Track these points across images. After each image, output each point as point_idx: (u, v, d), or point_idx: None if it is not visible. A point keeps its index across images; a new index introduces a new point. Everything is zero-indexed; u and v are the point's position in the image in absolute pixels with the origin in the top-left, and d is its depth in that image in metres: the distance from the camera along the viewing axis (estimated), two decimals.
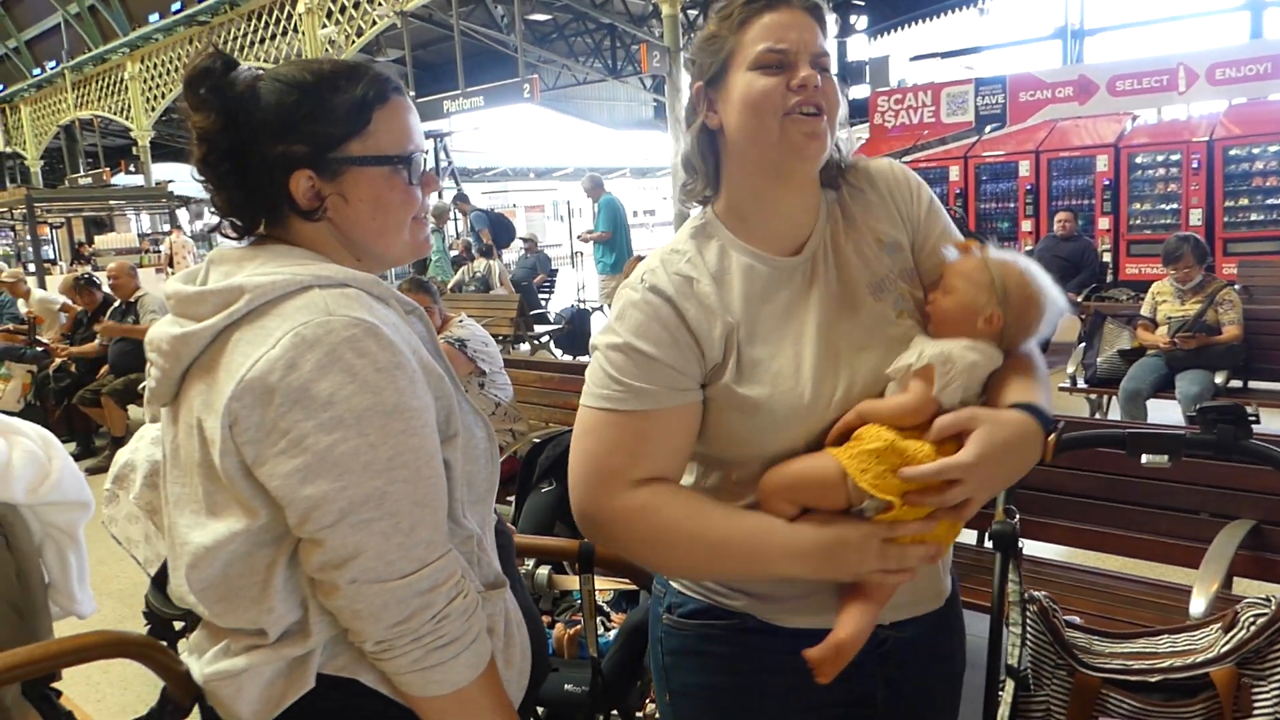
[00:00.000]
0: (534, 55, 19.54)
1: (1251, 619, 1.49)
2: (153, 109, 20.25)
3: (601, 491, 1.15)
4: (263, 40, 17.17)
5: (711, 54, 1.19)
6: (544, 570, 1.87)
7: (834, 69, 1.19)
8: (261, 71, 1.15)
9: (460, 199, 12.95)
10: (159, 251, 16.30)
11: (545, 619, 2.29)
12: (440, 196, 19.68)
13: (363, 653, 1.11)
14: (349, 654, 1.13)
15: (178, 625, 1.96)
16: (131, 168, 22.81)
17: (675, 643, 1.29)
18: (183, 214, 20.16)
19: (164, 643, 1.53)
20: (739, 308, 1.18)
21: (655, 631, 1.33)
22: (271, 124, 1.11)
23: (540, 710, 2.06)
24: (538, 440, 4.17)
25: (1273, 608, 1.48)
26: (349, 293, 1.08)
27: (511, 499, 4.21)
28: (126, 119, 20.86)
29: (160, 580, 1.46)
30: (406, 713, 1.14)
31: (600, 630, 2.19)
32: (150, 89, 20.19)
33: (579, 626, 2.20)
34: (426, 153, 1.25)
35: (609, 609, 2.27)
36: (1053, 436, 1.13)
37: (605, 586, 2.15)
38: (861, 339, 1.18)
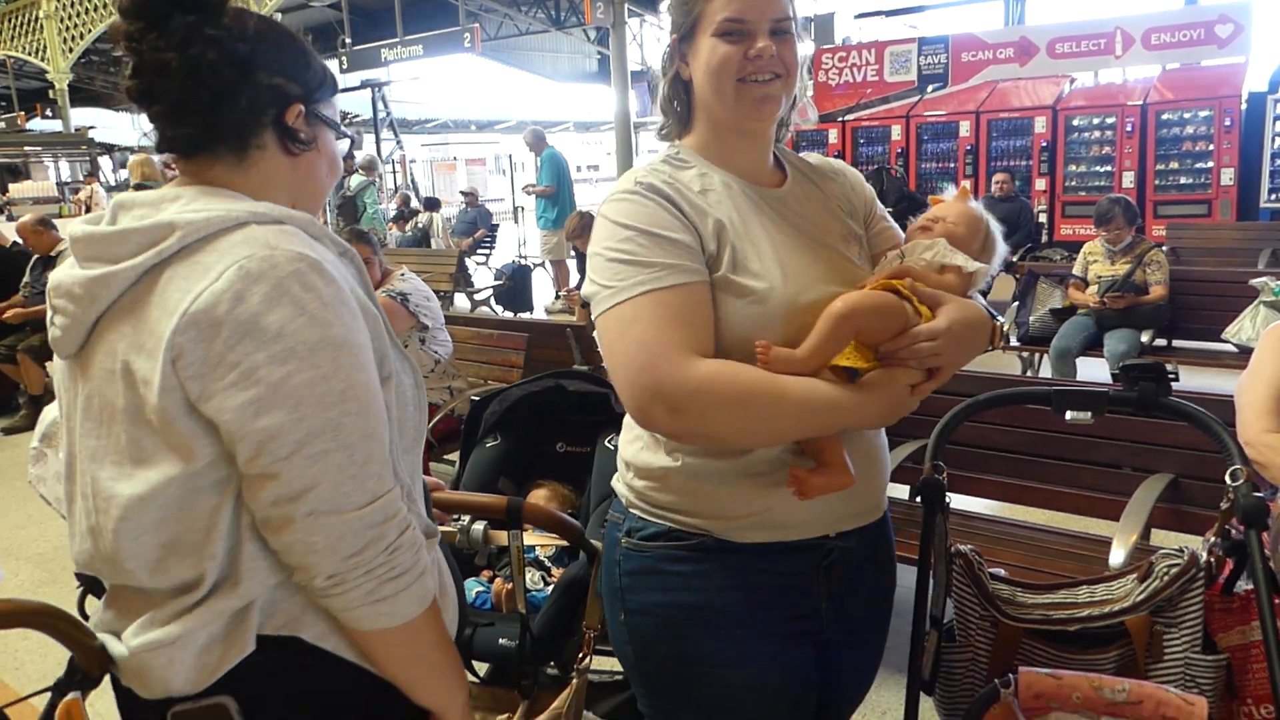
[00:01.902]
0: (475, 4, 19.09)
1: (1165, 569, 1.54)
2: (70, 50, 19.31)
3: (673, 367, 1.16)
4: None
5: (684, 13, 1.30)
6: (479, 525, 1.85)
7: (796, 23, 1.30)
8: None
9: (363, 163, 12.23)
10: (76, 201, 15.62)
11: (486, 574, 2.28)
12: (377, 146, 19.25)
13: (305, 607, 1.10)
14: (288, 609, 1.11)
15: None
16: (49, 112, 21.84)
17: (634, 564, 1.34)
18: (105, 162, 19.38)
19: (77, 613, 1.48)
20: (725, 210, 1.28)
21: (612, 555, 1.38)
22: (271, 58, 1.13)
23: (479, 665, 2.06)
24: (476, 398, 4.15)
25: (1185, 558, 1.53)
26: (287, 229, 1.08)
27: (451, 457, 4.20)
28: (42, 60, 19.90)
29: None
30: (350, 668, 1.13)
31: (540, 585, 2.20)
32: (67, 28, 19.22)
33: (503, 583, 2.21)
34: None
35: (550, 564, 2.27)
36: (999, 323, 1.31)
37: (544, 542, 2.15)
38: (828, 274, 1.29)
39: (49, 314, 1.12)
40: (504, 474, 2.42)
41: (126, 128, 27.92)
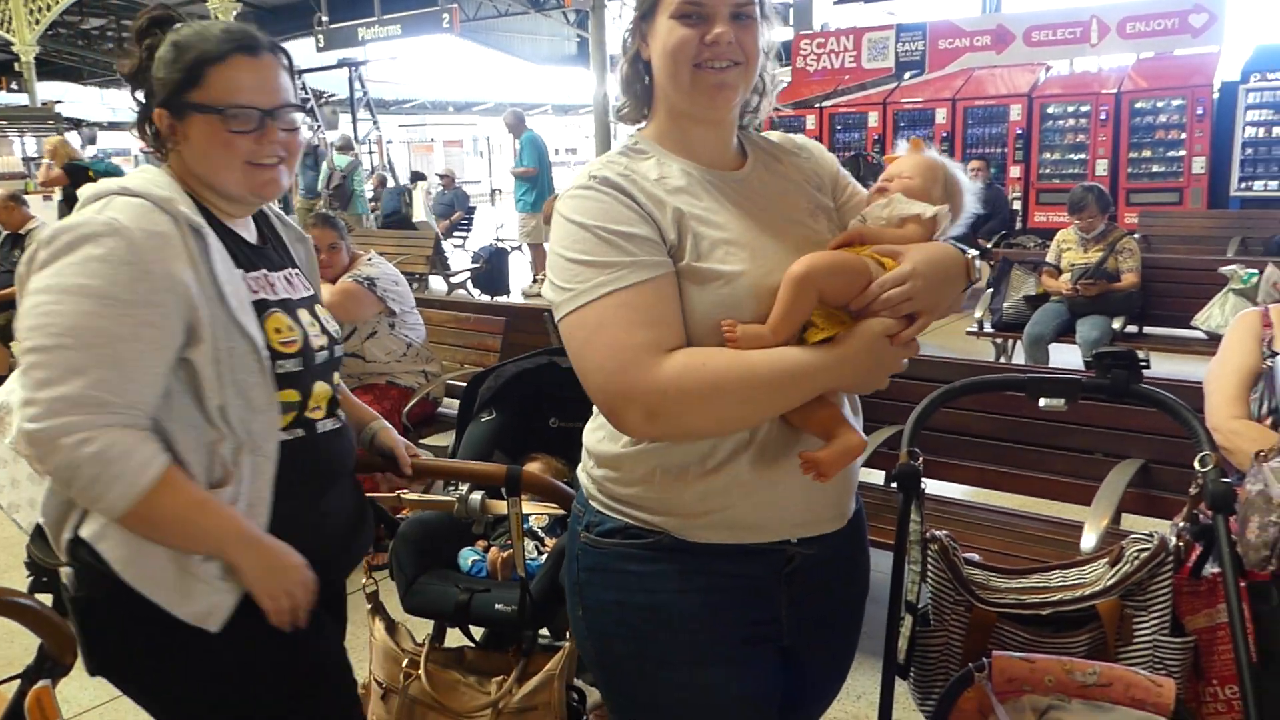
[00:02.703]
0: None
1: (1135, 554, 1.57)
2: (37, 21, 18.87)
3: (643, 370, 1.14)
4: None
5: None
6: (477, 495, 1.90)
7: (761, 8, 1.25)
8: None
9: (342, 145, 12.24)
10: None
11: (481, 544, 2.32)
12: (354, 126, 19.06)
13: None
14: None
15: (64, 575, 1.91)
16: (14, 85, 21.38)
17: (591, 560, 1.33)
18: (74, 137, 19.01)
19: (44, 596, 1.47)
20: (683, 197, 1.24)
21: (572, 548, 1.37)
22: (153, 66, 1.41)
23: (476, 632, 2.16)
24: (453, 381, 4.13)
25: (1154, 543, 1.55)
26: (136, 202, 1.33)
27: (428, 441, 4.18)
28: (7, 31, 19.46)
29: (41, 529, 1.43)
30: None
31: (534, 554, 2.22)
32: (34, 0, 18.82)
33: (511, 550, 2.23)
34: (272, 110, 1.42)
35: (543, 534, 2.31)
36: (970, 255, 1.26)
37: (538, 511, 2.19)
38: (796, 252, 1.23)
39: None
40: (499, 447, 2.45)
41: (95, 102, 27.46)
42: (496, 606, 1.99)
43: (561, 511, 1.95)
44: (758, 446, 1.23)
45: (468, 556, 2.27)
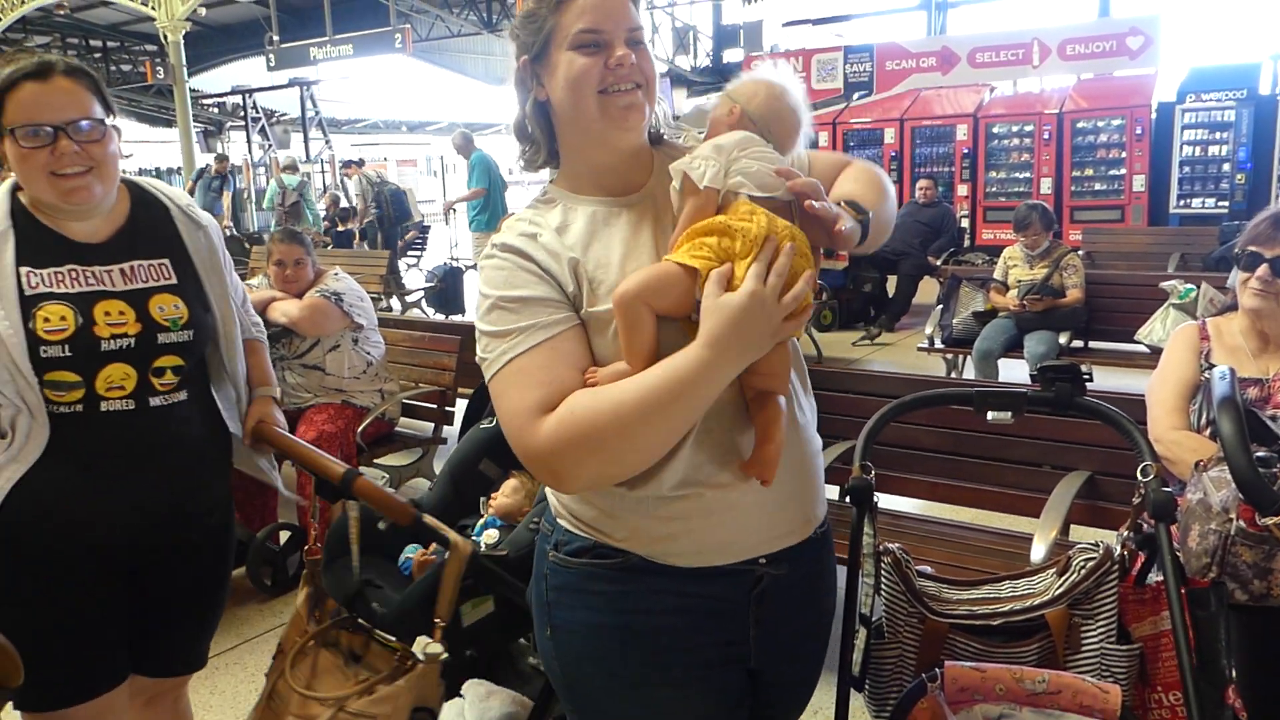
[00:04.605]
0: (407, 4, 18.81)
1: (1082, 563, 1.60)
2: None
3: (527, 435, 1.14)
4: None
5: (533, 32, 1.25)
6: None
7: (647, 37, 1.27)
8: None
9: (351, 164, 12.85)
10: None
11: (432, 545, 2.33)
12: (306, 145, 18.88)
13: None
14: None
15: None
16: None
17: (559, 579, 1.32)
18: None
19: None
20: (580, 244, 1.24)
21: (540, 567, 1.36)
22: None
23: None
24: (407, 401, 4.10)
25: (1100, 552, 1.59)
26: None
27: (382, 461, 4.14)
28: None
29: None
30: None
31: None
32: None
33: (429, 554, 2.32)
34: (64, 125, 1.62)
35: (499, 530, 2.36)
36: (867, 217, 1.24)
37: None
38: None
39: None
40: (489, 455, 2.45)
41: None
42: (373, 604, 2.03)
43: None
44: (683, 475, 1.21)
45: (406, 553, 2.34)
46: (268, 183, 11.94)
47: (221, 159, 13.20)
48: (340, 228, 12.62)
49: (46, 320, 1.65)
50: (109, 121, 1.71)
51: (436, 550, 2.30)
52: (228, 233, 10.69)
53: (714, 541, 1.25)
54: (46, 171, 1.63)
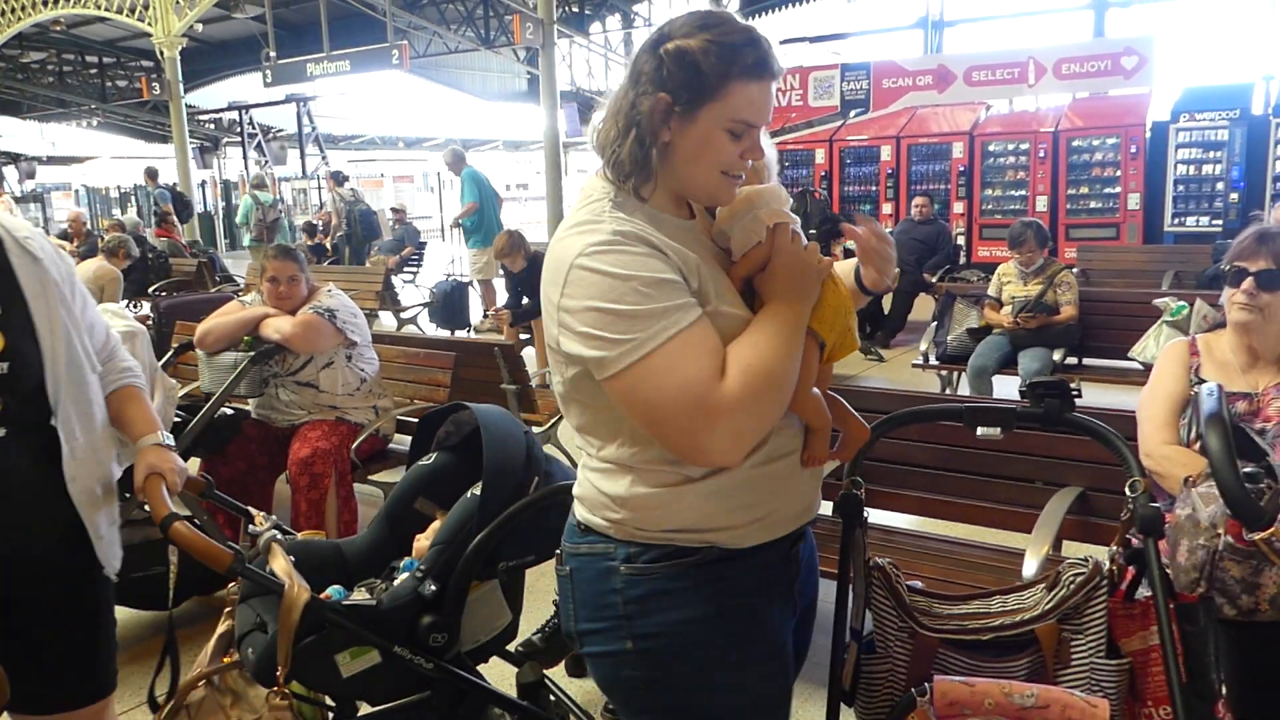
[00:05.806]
0: (404, 20, 18.93)
1: (1071, 578, 1.61)
2: None
3: (717, 394, 1.21)
4: None
5: (686, 83, 1.27)
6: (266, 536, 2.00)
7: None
8: None
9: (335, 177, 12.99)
10: None
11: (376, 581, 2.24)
12: (302, 161, 18.90)
13: None
14: None
15: None
16: None
17: (640, 590, 1.34)
18: (11, 172, 18.63)
19: None
20: (686, 249, 1.31)
21: (608, 584, 1.36)
22: None
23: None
24: (402, 418, 4.08)
25: (1089, 567, 1.59)
26: None
27: (376, 478, 4.12)
28: None
29: None
30: None
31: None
32: None
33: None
34: None
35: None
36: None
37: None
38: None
39: None
40: (425, 493, 2.35)
41: (35, 136, 26.96)
42: (249, 650, 1.95)
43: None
44: (769, 448, 1.33)
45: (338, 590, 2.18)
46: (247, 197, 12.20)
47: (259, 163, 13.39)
48: (309, 241, 12.74)
49: None
50: None
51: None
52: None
53: (784, 515, 1.38)
54: None
